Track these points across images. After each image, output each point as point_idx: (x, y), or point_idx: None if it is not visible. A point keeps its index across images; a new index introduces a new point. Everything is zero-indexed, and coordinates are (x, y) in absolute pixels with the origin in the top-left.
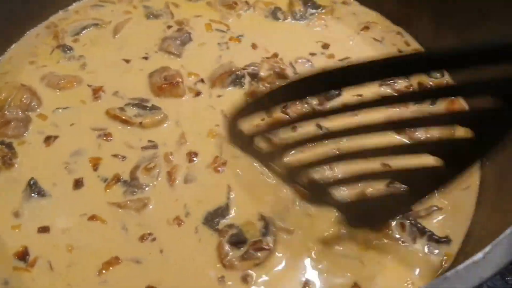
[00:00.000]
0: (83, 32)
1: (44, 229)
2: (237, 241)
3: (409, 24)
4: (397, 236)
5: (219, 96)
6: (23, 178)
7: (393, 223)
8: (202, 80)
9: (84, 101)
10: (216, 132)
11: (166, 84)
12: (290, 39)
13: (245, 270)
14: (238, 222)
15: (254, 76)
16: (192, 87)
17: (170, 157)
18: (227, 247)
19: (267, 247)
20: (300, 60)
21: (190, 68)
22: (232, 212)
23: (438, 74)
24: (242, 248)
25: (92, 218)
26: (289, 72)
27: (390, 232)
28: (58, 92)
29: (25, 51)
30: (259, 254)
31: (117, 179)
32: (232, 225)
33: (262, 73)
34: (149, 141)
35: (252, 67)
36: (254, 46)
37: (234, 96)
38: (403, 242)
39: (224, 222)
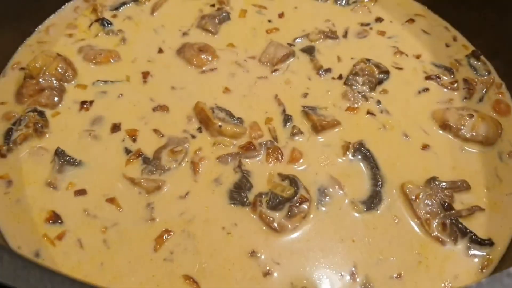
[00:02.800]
0: (122, 7)
1: (80, 192)
2: (276, 204)
3: (457, 19)
4: (438, 235)
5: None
6: (53, 148)
7: (435, 222)
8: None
9: (128, 77)
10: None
11: None
12: (336, 18)
13: (296, 226)
14: (265, 189)
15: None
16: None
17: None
18: (268, 212)
19: (306, 197)
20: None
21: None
22: (254, 183)
23: (486, 73)
24: (283, 209)
25: (111, 200)
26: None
27: (431, 231)
28: (95, 66)
29: (63, 23)
30: (303, 206)
31: (138, 154)
32: (261, 193)
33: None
34: (198, 129)
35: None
36: (294, 22)
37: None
38: (443, 242)
39: (251, 193)
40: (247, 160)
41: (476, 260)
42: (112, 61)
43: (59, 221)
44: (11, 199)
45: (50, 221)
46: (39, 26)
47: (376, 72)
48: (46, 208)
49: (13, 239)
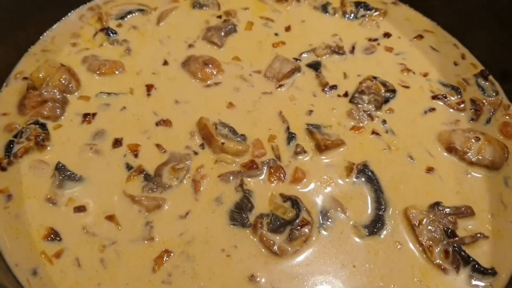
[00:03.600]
0: (128, 16)
1: (79, 209)
2: (277, 227)
3: (466, 37)
4: (440, 262)
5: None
6: (54, 162)
7: (437, 249)
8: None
9: (132, 89)
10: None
11: None
12: (343, 33)
13: (297, 250)
14: (266, 210)
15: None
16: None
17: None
18: (269, 235)
19: (308, 220)
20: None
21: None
22: (255, 203)
23: (494, 93)
24: (284, 231)
25: (110, 218)
26: (346, 49)
27: (433, 258)
28: (99, 77)
29: (68, 32)
30: (305, 229)
31: (139, 170)
32: (262, 215)
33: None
34: (200, 145)
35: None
36: (301, 37)
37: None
38: (445, 270)
39: (252, 214)
40: (249, 179)
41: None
42: (116, 72)
43: (58, 238)
44: (10, 213)
45: (49, 238)
46: (44, 34)
47: (383, 91)
48: (45, 224)
49: (11, 256)
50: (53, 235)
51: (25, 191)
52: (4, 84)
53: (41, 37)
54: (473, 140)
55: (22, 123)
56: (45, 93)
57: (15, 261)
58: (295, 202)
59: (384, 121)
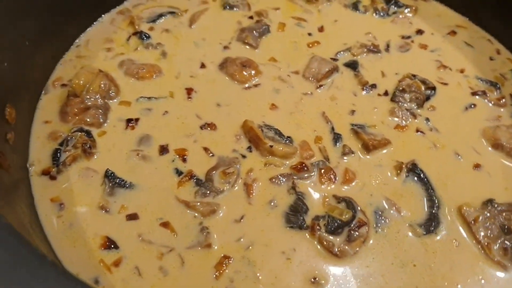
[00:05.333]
0: (159, 20)
1: (132, 216)
2: (335, 228)
3: (499, 31)
4: (499, 260)
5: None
6: (102, 169)
7: (495, 247)
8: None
9: (172, 93)
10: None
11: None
12: (376, 30)
13: (356, 251)
14: (321, 211)
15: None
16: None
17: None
18: (328, 237)
19: (365, 221)
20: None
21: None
22: (309, 205)
23: None
24: (342, 233)
25: (165, 225)
26: (381, 47)
27: (492, 255)
28: (137, 81)
29: (101, 37)
30: (362, 230)
31: (190, 175)
32: (318, 216)
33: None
34: (247, 148)
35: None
36: (335, 36)
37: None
38: (505, 267)
39: (308, 216)
40: (300, 181)
41: None
42: (154, 76)
43: (115, 246)
44: (64, 222)
45: (105, 247)
46: (77, 40)
47: (423, 88)
48: (99, 233)
49: (71, 265)
50: (110, 243)
51: (76, 199)
52: (43, 91)
53: (74, 43)
54: None
55: (66, 130)
56: (87, 100)
57: (76, 270)
58: (349, 203)
59: (427, 119)
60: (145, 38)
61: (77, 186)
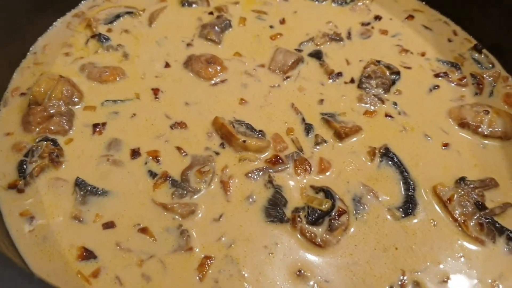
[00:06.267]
0: (117, 20)
1: (108, 224)
2: (316, 218)
3: (454, 13)
4: (476, 235)
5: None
6: (72, 178)
7: (471, 223)
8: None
9: (138, 95)
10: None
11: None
12: (336, 19)
13: (338, 239)
14: (300, 203)
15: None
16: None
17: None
18: (310, 228)
19: (344, 209)
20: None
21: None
22: (288, 197)
23: (490, 65)
24: (323, 223)
25: (143, 231)
26: (343, 35)
27: (469, 232)
28: (100, 85)
29: (58, 42)
30: (343, 218)
31: (165, 177)
32: (297, 208)
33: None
34: (220, 145)
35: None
36: (296, 27)
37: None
38: (482, 242)
39: (288, 209)
40: (276, 174)
41: None
42: (118, 78)
43: (92, 257)
44: (37, 236)
45: (83, 258)
46: (33, 47)
47: (388, 73)
48: (75, 244)
49: (48, 279)
50: (87, 253)
51: (47, 211)
52: (1, 103)
53: (30, 50)
54: (482, 114)
55: (30, 141)
56: (50, 108)
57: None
58: (328, 192)
59: (395, 103)
60: (104, 40)
61: (47, 197)
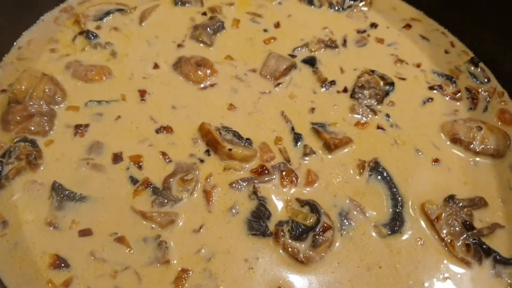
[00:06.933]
0: (107, 17)
1: (85, 232)
2: (300, 234)
3: (452, 24)
4: (462, 256)
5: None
6: (49, 181)
7: (458, 243)
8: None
9: (124, 96)
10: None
11: None
12: (332, 25)
13: (322, 256)
14: (284, 216)
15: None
16: None
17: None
18: (293, 244)
19: (329, 224)
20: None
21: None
22: (272, 210)
23: (486, 79)
24: (307, 238)
25: (120, 240)
26: (338, 42)
27: (455, 252)
28: (85, 84)
29: (44, 37)
30: (328, 234)
31: (146, 184)
32: (281, 222)
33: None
34: (205, 151)
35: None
36: (291, 31)
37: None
38: (468, 263)
39: (271, 222)
40: (261, 184)
41: (504, 278)
42: (104, 78)
43: (65, 265)
44: (9, 241)
45: (55, 266)
46: (18, 41)
47: (382, 84)
48: (48, 251)
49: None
50: (59, 262)
51: (21, 215)
52: None
53: (14, 44)
54: (475, 130)
55: (8, 141)
56: (30, 107)
57: None
58: (313, 207)
59: (387, 115)
60: (92, 38)
61: (22, 201)
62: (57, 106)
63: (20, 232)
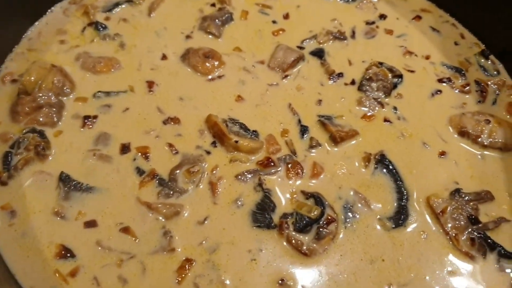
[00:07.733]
0: (116, 9)
1: (90, 223)
2: (304, 226)
3: (463, 15)
4: (467, 250)
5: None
6: (57, 172)
7: (463, 237)
8: None
9: (132, 87)
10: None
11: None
12: (341, 16)
13: (325, 248)
14: (289, 209)
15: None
16: None
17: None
18: (296, 236)
19: (334, 217)
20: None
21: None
22: (277, 202)
23: (495, 72)
24: (311, 231)
25: (125, 230)
26: (347, 34)
27: (460, 246)
28: (94, 75)
29: (53, 28)
30: (331, 227)
31: (153, 175)
32: (285, 214)
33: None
34: (212, 143)
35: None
36: (300, 23)
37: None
38: (472, 257)
39: (276, 214)
40: (266, 176)
41: (507, 272)
42: (112, 69)
43: (71, 255)
44: (17, 231)
45: (61, 256)
46: (28, 32)
47: (390, 76)
48: (54, 241)
49: (25, 277)
50: (65, 252)
51: (29, 205)
52: None
53: (25, 36)
54: (483, 123)
55: (17, 132)
56: (39, 98)
57: (29, 283)
58: (318, 199)
59: (395, 108)
60: (101, 29)
61: (30, 191)
62: (65, 98)
63: (28, 221)
